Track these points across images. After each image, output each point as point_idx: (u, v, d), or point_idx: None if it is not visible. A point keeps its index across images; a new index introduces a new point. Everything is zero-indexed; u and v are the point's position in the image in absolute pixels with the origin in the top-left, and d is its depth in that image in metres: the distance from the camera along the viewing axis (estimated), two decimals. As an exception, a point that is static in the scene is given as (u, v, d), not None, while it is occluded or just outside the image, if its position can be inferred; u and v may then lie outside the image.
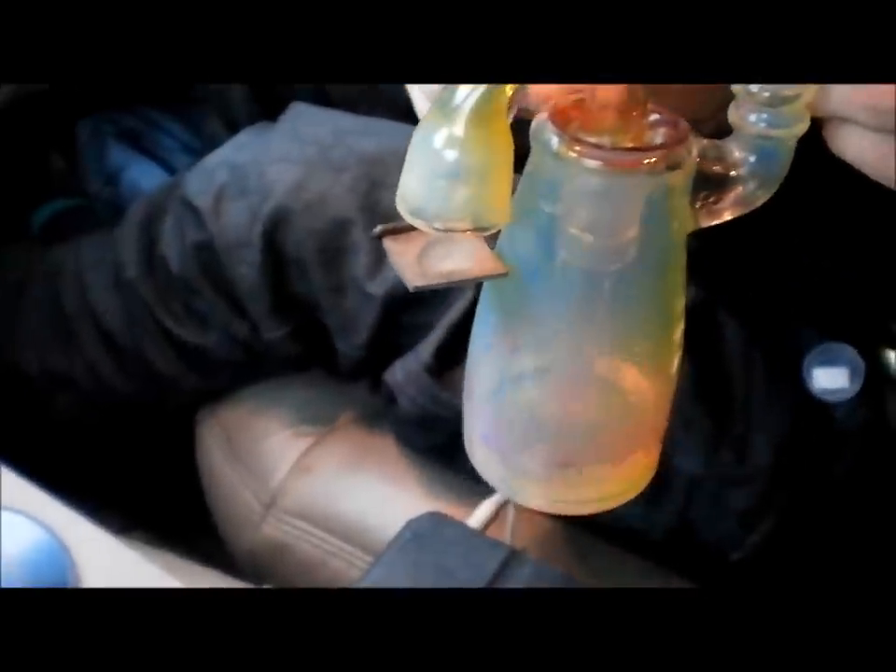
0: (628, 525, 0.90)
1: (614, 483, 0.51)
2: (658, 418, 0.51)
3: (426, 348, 0.89)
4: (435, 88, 0.51)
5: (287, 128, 0.97)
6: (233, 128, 1.06)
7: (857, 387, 0.85)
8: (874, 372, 0.84)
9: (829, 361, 0.86)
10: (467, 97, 0.41)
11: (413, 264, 0.45)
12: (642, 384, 0.49)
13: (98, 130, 1.37)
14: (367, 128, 0.95)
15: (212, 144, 1.03)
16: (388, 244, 0.46)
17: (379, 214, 0.89)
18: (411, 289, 0.45)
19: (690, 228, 0.46)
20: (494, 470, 0.51)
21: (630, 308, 0.47)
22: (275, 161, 0.92)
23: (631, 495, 0.51)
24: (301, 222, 0.90)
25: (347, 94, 1.07)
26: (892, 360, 0.82)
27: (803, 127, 0.43)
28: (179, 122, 1.37)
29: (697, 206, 0.45)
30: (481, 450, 0.51)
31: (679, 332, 0.48)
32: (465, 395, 0.51)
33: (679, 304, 0.48)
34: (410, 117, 0.48)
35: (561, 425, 0.49)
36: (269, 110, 1.04)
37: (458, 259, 0.45)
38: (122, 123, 1.38)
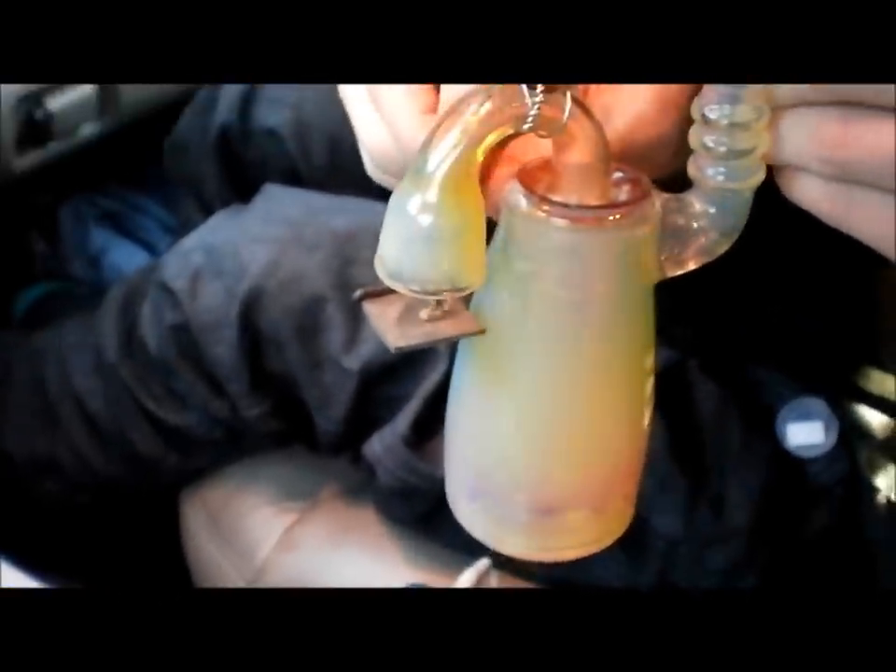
0: (610, 588, 0.90)
1: (595, 529, 0.52)
2: (634, 466, 0.51)
3: (402, 421, 0.90)
4: (385, 156, 0.52)
5: (260, 209, 0.98)
6: (208, 210, 1.08)
7: (832, 442, 0.85)
8: (846, 427, 0.85)
9: (803, 416, 0.86)
10: (439, 164, 0.42)
11: (393, 326, 0.46)
12: (618, 434, 0.50)
13: (80, 213, 1.39)
14: (338, 206, 0.97)
15: (189, 225, 1.05)
16: (368, 307, 0.48)
17: (352, 290, 0.90)
18: (392, 350, 0.46)
19: (657, 278, 0.47)
20: (478, 523, 0.52)
21: (602, 360, 0.48)
22: (249, 242, 0.94)
23: (611, 539, 0.53)
24: (277, 301, 0.92)
25: (317, 173, 1.09)
26: (861, 414, 0.82)
27: (759, 178, 0.44)
28: (159, 204, 1.39)
29: (663, 258, 0.47)
30: (464, 505, 0.52)
31: (649, 386, 0.50)
32: (446, 452, 0.52)
33: (650, 358, 0.49)
34: (380, 194, 0.49)
35: (542, 474, 0.49)
36: (241, 192, 1.06)
37: (436, 320, 0.46)
38: (103, 206, 1.40)
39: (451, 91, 0.45)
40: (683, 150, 0.46)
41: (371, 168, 0.55)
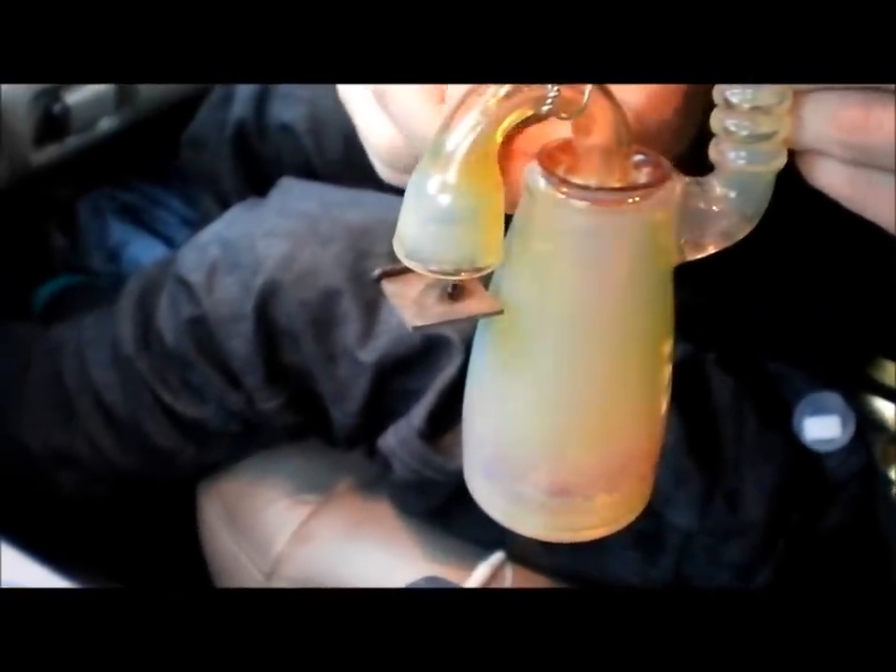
0: (625, 582, 0.91)
1: (611, 509, 0.51)
2: (651, 448, 0.51)
3: (418, 414, 0.90)
4: (395, 154, 0.52)
5: (276, 202, 0.99)
6: (225, 204, 1.08)
7: (848, 436, 0.85)
8: (862, 421, 0.85)
9: (819, 410, 0.86)
10: (458, 145, 0.42)
11: (411, 306, 0.46)
12: (635, 416, 0.50)
13: (98, 207, 1.39)
14: (353, 200, 0.97)
15: (207, 219, 1.05)
16: (387, 286, 0.47)
17: (367, 283, 0.90)
18: (410, 330, 0.46)
19: (676, 262, 0.47)
20: (495, 503, 0.52)
21: (620, 342, 0.48)
22: (265, 236, 0.94)
23: (627, 520, 0.52)
24: (292, 294, 0.92)
25: (332, 168, 1.09)
26: (876, 407, 0.82)
27: (780, 162, 0.44)
28: (178, 197, 1.39)
29: (682, 241, 0.47)
30: (481, 484, 0.52)
31: (667, 371, 0.50)
32: (464, 432, 0.52)
33: (668, 342, 0.49)
34: (394, 188, 0.50)
35: (558, 454, 0.49)
36: (257, 187, 1.06)
37: (455, 300, 0.46)
38: (122, 199, 1.40)
39: (457, 90, 0.45)
40: (689, 131, 0.46)
41: (380, 168, 0.55)
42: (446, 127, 0.43)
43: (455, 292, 0.46)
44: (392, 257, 0.45)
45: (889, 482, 0.79)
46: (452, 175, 0.43)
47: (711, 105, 0.44)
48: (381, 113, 0.51)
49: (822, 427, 0.86)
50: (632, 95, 0.47)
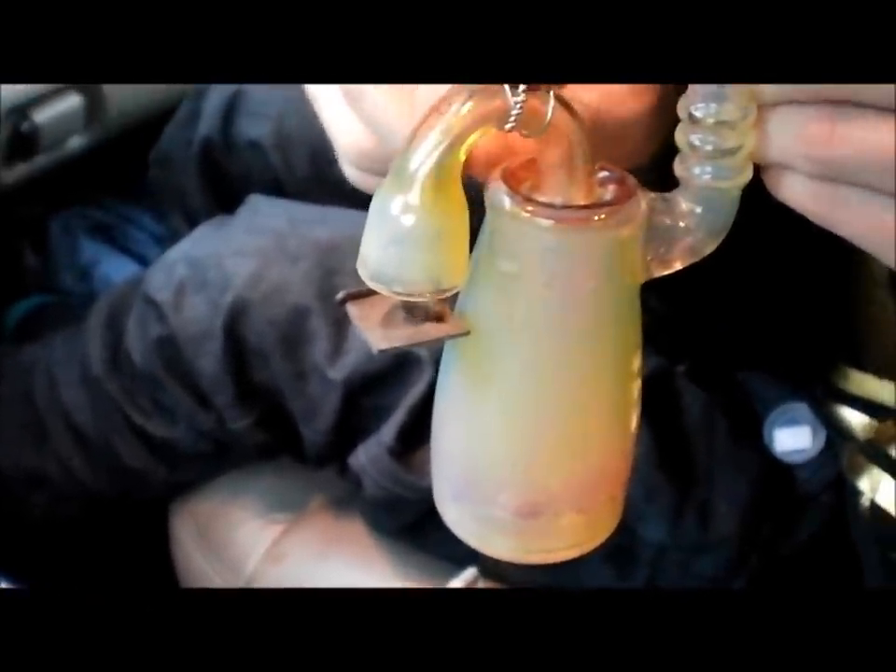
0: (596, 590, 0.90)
1: (582, 530, 0.51)
2: (622, 468, 0.51)
3: (387, 431, 0.90)
4: (363, 154, 0.52)
5: (243, 220, 0.98)
6: (193, 221, 1.08)
7: (819, 446, 0.85)
8: (832, 431, 0.85)
9: (790, 421, 0.86)
10: (421, 164, 0.42)
11: (377, 328, 0.46)
12: (605, 435, 0.50)
13: (69, 225, 1.38)
14: (321, 217, 0.97)
15: (177, 237, 1.05)
16: (351, 308, 0.47)
17: (336, 300, 0.90)
18: (375, 353, 0.45)
19: (642, 279, 0.47)
20: (465, 526, 0.51)
21: (588, 361, 0.47)
22: (233, 254, 0.94)
23: (597, 542, 0.52)
24: (261, 312, 0.92)
25: (300, 184, 1.09)
26: (843, 416, 0.82)
27: (746, 177, 0.44)
28: (150, 215, 1.39)
29: (649, 258, 0.46)
30: (451, 507, 0.52)
31: (636, 388, 0.49)
32: (432, 453, 0.52)
33: (636, 359, 0.49)
34: (363, 204, 0.49)
35: (527, 475, 0.49)
36: (225, 204, 1.06)
37: (420, 322, 0.46)
38: (94, 218, 1.39)
39: (427, 91, 0.45)
40: (656, 138, 0.46)
41: (347, 169, 0.55)
42: (409, 146, 0.43)
43: (421, 314, 0.46)
44: (361, 274, 0.45)
45: (857, 492, 0.79)
46: (415, 196, 0.42)
47: (675, 121, 0.44)
48: (351, 112, 0.51)
49: (793, 438, 0.86)
50: (589, 93, 0.47)
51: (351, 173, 0.54)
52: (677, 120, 0.44)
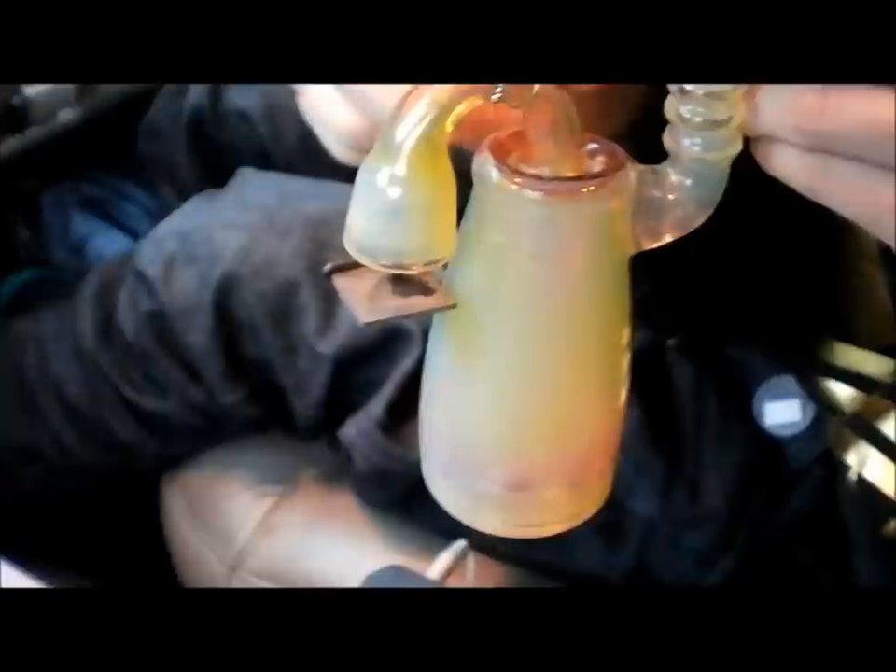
0: (588, 570, 0.91)
1: (570, 504, 0.51)
2: (610, 442, 0.51)
3: (377, 405, 0.90)
4: (354, 134, 0.52)
5: (233, 194, 0.98)
6: (183, 194, 1.08)
7: (808, 419, 0.85)
8: (820, 405, 0.85)
9: (779, 395, 0.86)
10: (407, 135, 0.42)
11: (364, 300, 0.45)
12: (594, 409, 0.50)
13: (62, 200, 1.38)
14: (311, 190, 0.97)
15: (167, 210, 1.04)
16: (338, 281, 0.46)
17: (323, 273, 0.90)
18: (361, 325, 0.45)
19: (631, 251, 0.47)
20: (454, 500, 0.51)
21: (577, 334, 0.47)
22: (222, 228, 0.94)
23: (587, 515, 0.52)
24: (250, 286, 0.92)
25: (289, 154, 1.09)
26: (831, 389, 0.83)
27: (736, 149, 0.44)
28: (143, 189, 1.38)
29: (638, 231, 0.46)
30: (440, 482, 0.52)
31: (625, 361, 0.49)
32: (421, 428, 0.52)
33: (626, 332, 0.48)
34: (351, 175, 0.49)
35: (516, 449, 0.49)
36: (215, 176, 1.05)
37: (407, 294, 0.45)
38: (86, 192, 1.38)
39: None
40: (629, 106, 0.46)
41: (338, 150, 0.54)
42: (395, 117, 0.42)
43: (408, 286, 0.45)
44: (350, 248, 0.45)
45: (845, 467, 0.79)
46: (401, 167, 0.42)
47: (650, 89, 0.44)
48: (342, 97, 0.51)
49: (783, 412, 0.86)
50: None
51: (342, 153, 0.54)
52: (651, 89, 0.44)
